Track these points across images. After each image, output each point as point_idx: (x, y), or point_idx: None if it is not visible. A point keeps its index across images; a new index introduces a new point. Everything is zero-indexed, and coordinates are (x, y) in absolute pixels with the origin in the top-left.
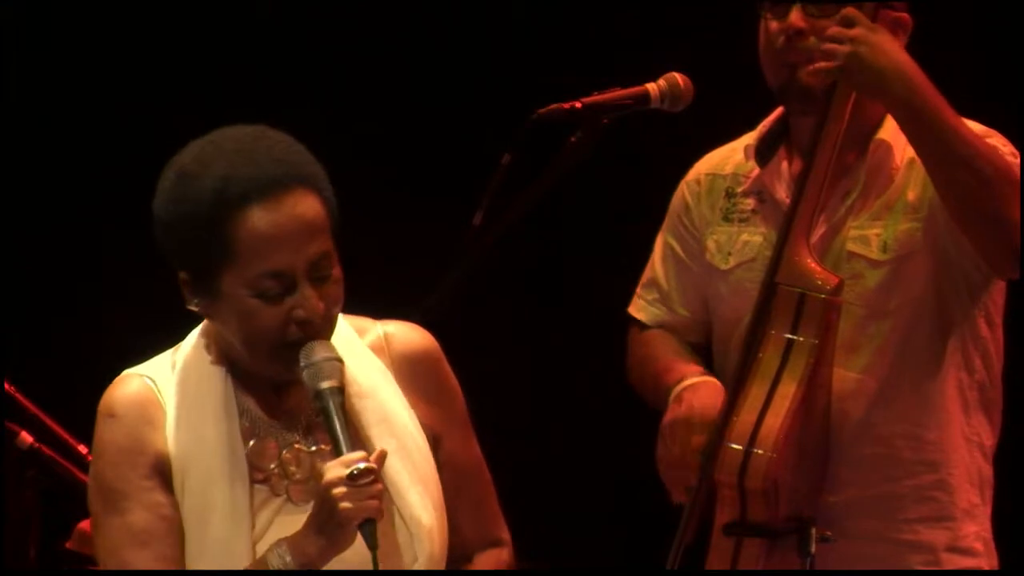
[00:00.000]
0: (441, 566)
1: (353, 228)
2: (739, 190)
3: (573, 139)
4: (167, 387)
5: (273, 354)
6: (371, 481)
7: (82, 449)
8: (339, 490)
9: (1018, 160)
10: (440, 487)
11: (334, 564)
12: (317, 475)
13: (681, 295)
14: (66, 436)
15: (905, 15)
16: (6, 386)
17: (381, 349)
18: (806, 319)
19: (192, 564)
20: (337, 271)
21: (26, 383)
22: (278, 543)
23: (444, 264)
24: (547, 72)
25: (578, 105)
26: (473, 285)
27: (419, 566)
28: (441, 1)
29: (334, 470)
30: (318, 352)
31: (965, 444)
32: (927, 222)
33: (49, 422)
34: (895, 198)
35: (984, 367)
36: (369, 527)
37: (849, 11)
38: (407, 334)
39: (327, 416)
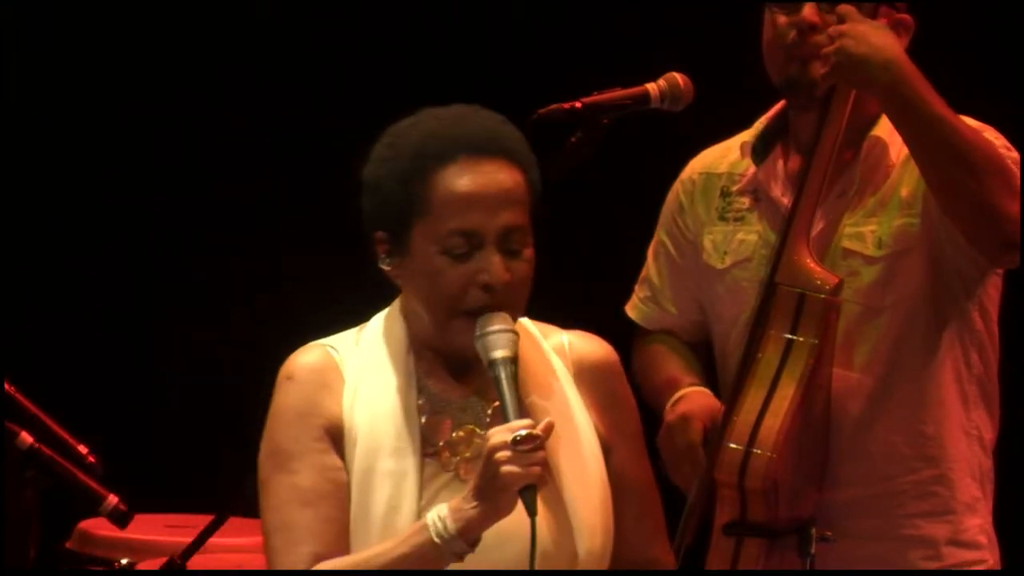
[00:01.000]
0: (603, 566)
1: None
2: (734, 189)
3: (573, 139)
4: (349, 358)
5: (452, 317)
6: (534, 447)
7: (82, 449)
8: (502, 454)
9: (1014, 155)
10: (608, 490)
11: (492, 534)
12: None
13: (671, 293)
14: (66, 436)
15: (907, 16)
16: (6, 386)
17: (563, 353)
18: (806, 319)
19: (356, 529)
20: (529, 252)
21: (26, 383)
22: (438, 508)
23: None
24: (547, 72)
25: (578, 105)
26: None
27: (580, 562)
28: (442, 1)
29: (499, 435)
30: (494, 323)
31: (965, 438)
32: (922, 218)
33: (49, 422)
34: (890, 194)
35: (981, 361)
36: (530, 493)
37: (844, 8)
38: (589, 343)
39: (498, 384)
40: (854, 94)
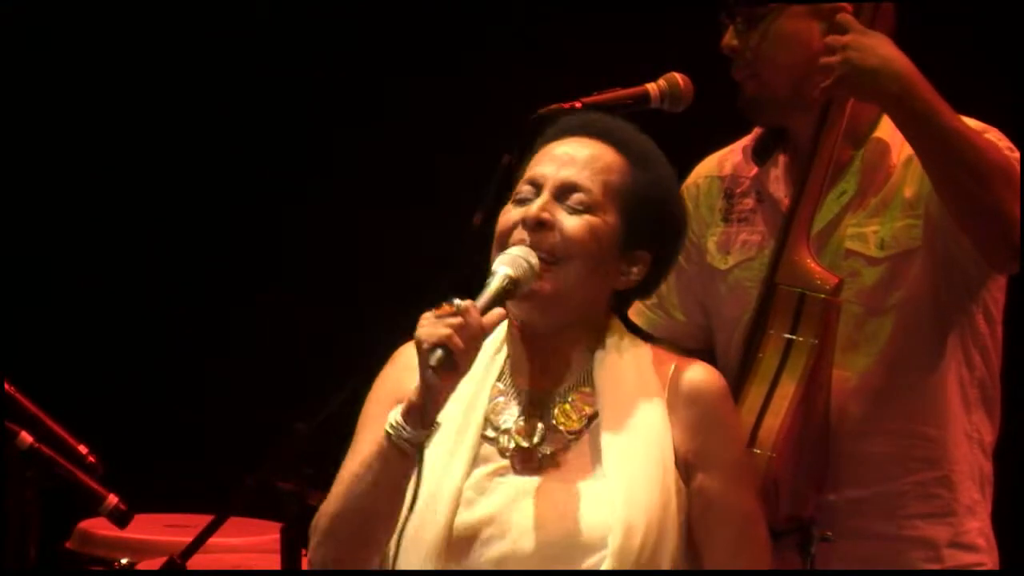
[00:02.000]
0: (628, 566)
1: (353, 228)
2: (738, 190)
3: None
4: None
5: (497, 254)
6: (452, 314)
7: (82, 449)
8: (423, 319)
9: (1016, 155)
10: (672, 502)
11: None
12: (548, 451)
13: (678, 300)
14: (66, 436)
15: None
16: (6, 386)
17: (664, 374)
18: (806, 319)
19: (407, 503)
20: (592, 218)
21: (26, 383)
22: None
23: (443, 265)
24: (547, 72)
25: (578, 105)
26: (473, 285)
27: (611, 554)
28: (442, 1)
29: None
30: (519, 250)
31: (966, 441)
32: (924, 219)
33: (49, 422)
34: (892, 195)
35: (983, 363)
36: (440, 354)
37: (842, 17)
38: (695, 369)
39: (486, 287)
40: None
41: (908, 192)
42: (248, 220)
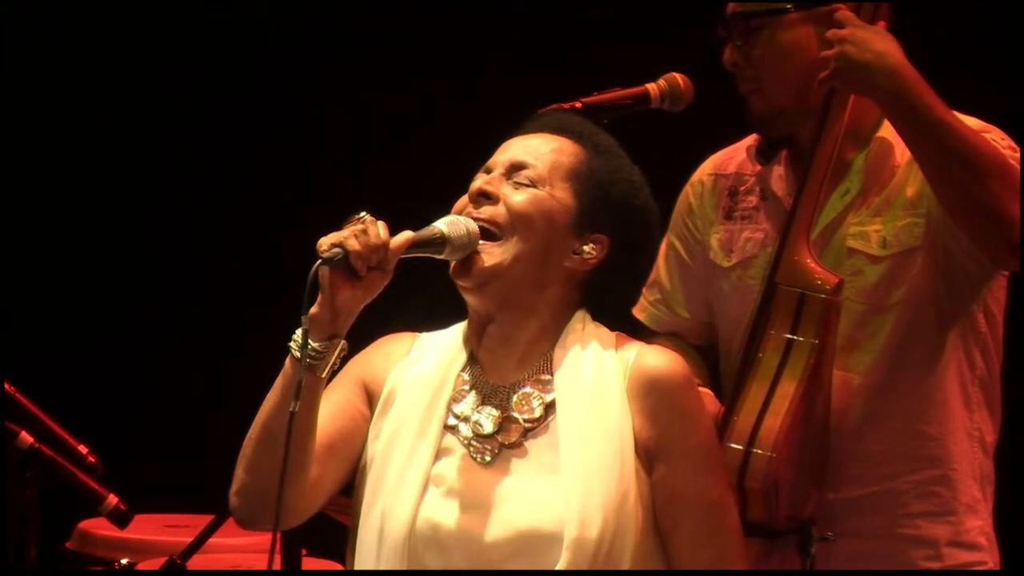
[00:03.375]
0: (587, 565)
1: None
2: (741, 188)
3: None
4: (430, 337)
5: None
6: (356, 222)
7: (82, 449)
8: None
9: (1016, 154)
10: (631, 494)
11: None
12: (505, 441)
13: (683, 297)
14: (66, 436)
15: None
16: (6, 386)
17: (625, 362)
18: (806, 319)
19: (374, 479)
20: (540, 192)
21: (26, 383)
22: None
23: (443, 264)
24: (547, 72)
25: (578, 105)
26: None
27: (566, 547)
28: (443, 1)
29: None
30: (461, 216)
31: (967, 439)
32: (926, 218)
33: (49, 422)
34: (895, 195)
35: (984, 363)
36: (338, 250)
37: (841, 13)
38: (656, 356)
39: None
40: (853, 97)
41: (910, 191)
42: (248, 220)
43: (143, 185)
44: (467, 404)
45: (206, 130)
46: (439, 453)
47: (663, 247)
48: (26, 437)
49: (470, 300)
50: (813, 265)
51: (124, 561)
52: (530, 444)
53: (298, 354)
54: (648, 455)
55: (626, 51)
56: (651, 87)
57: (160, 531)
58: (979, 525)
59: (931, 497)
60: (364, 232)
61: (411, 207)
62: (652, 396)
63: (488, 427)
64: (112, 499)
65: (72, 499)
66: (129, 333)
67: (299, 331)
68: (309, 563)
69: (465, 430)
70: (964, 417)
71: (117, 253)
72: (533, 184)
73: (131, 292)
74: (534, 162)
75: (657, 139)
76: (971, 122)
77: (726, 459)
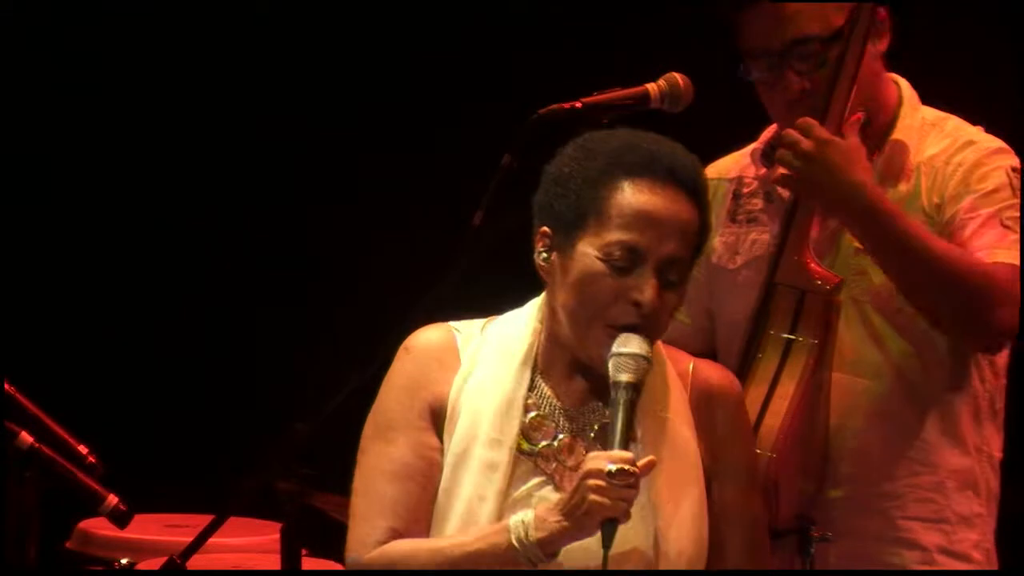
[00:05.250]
0: None
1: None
2: (745, 191)
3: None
4: (471, 342)
5: (593, 326)
6: (627, 484)
7: (82, 449)
8: (595, 481)
9: (1018, 175)
10: (705, 520)
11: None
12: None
13: (684, 304)
14: (66, 436)
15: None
16: (6, 386)
17: (685, 378)
18: (805, 319)
19: (440, 511)
20: (683, 289)
21: (26, 383)
22: (523, 514)
23: (444, 265)
24: (547, 72)
25: (578, 105)
26: (472, 286)
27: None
28: (443, 1)
29: (597, 461)
30: (632, 345)
31: (974, 453)
32: (937, 227)
33: (49, 422)
34: (906, 198)
35: (992, 376)
36: (611, 527)
37: (804, 120)
38: (712, 370)
39: (614, 407)
40: (852, 98)
41: (923, 200)
42: (248, 220)
43: (143, 186)
44: (545, 430)
45: (206, 131)
46: (513, 480)
47: None
48: (26, 437)
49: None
50: (813, 265)
51: (124, 561)
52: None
53: (526, 561)
54: (708, 474)
55: (626, 51)
56: (651, 87)
57: (160, 531)
58: (975, 539)
59: (925, 502)
60: (633, 491)
61: (413, 204)
62: (716, 413)
63: (574, 458)
64: (112, 499)
65: (72, 499)
66: (129, 333)
67: (532, 534)
68: (309, 563)
69: (544, 457)
70: (971, 429)
71: (117, 253)
72: (682, 282)
73: (131, 292)
74: (686, 255)
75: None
76: (982, 134)
77: None
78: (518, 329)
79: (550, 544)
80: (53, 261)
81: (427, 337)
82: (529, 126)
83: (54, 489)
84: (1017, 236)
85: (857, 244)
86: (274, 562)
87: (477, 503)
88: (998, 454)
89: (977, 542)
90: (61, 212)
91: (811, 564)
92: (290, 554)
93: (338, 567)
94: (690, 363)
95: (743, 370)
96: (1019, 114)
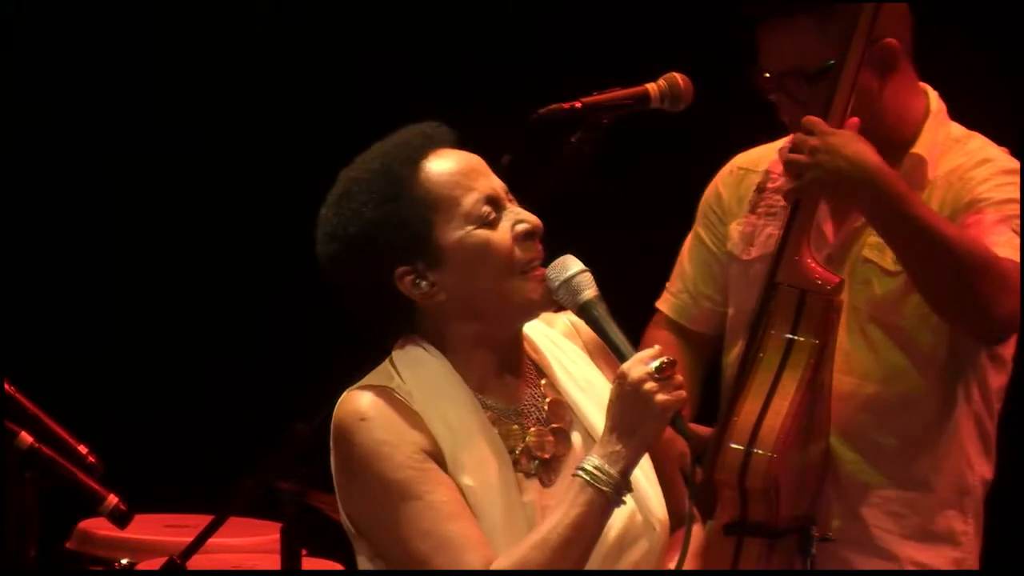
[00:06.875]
0: (667, 535)
1: None
2: (769, 186)
3: (573, 139)
4: (403, 390)
5: (512, 279)
6: (674, 372)
7: (82, 449)
8: (650, 385)
9: (1017, 178)
10: (654, 471)
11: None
12: (560, 454)
13: (706, 284)
14: (66, 436)
15: (892, 42)
16: (6, 386)
17: (573, 335)
18: (806, 319)
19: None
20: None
21: (26, 383)
22: (588, 461)
23: None
24: (547, 72)
25: (578, 105)
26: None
27: (658, 535)
28: (443, 1)
29: (637, 368)
30: (569, 267)
31: (968, 471)
32: None
33: (49, 422)
34: None
35: (981, 398)
36: (679, 421)
37: (808, 119)
38: (563, 312)
39: (597, 325)
40: (851, 101)
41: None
42: (248, 220)
43: (142, 186)
44: (513, 435)
45: (206, 131)
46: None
47: (688, 240)
48: (26, 437)
49: (518, 327)
50: (814, 265)
51: (124, 561)
52: (575, 448)
53: (609, 489)
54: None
55: (626, 51)
56: (651, 87)
57: (160, 531)
58: (957, 557)
59: (899, 517)
60: (679, 376)
61: None
62: (608, 353)
63: (546, 450)
64: (112, 499)
65: (72, 499)
66: (129, 333)
67: (599, 465)
68: (309, 563)
69: (526, 460)
70: (959, 446)
71: (116, 253)
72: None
73: (131, 292)
74: (500, 184)
75: (658, 138)
76: (986, 141)
77: (727, 459)
78: (430, 365)
79: (628, 469)
80: (53, 261)
81: (369, 400)
82: (529, 126)
83: (54, 489)
84: None
85: (867, 254)
86: (274, 562)
87: (511, 522)
88: (987, 476)
89: (960, 560)
90: (61, 212)
91: (811, 564)
92: (290, 554)
93: (338, 567)
94: (566, 319)
95: (744, 370)
96: (1019, 114)
